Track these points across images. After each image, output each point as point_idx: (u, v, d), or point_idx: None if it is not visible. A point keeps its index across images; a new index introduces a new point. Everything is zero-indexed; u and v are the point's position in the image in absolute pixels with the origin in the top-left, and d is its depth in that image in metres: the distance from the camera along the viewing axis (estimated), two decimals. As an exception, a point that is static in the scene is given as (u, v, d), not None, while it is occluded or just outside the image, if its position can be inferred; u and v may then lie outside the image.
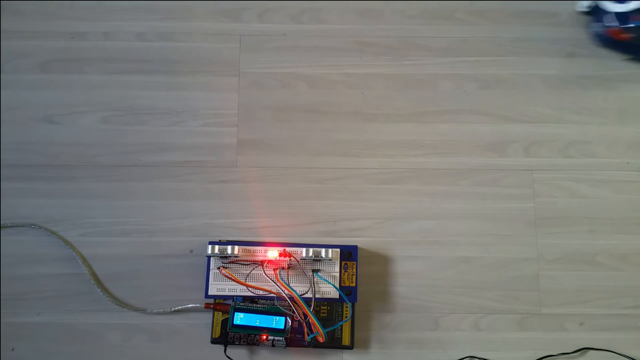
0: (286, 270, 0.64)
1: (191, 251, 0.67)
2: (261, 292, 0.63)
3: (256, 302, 0.64)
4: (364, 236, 0.68)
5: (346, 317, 0.64)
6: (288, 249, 0.64)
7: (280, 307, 0.63)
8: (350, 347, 0.64)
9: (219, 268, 0.64)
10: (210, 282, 0.64)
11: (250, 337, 0.63)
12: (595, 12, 0.68)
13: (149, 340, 0.66)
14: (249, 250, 0.65)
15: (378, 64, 0.72)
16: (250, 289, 0.63)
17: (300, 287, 0.63)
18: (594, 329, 0.66)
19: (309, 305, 0.62)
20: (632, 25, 0.63)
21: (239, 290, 0.64)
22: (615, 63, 0.72)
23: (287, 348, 0.64)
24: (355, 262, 0.65)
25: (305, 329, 0.62)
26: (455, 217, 0.68)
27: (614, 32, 0.65)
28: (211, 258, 0.64)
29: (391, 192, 0.69)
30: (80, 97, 0.71)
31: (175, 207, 0.68)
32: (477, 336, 0.66)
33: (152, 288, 0.67)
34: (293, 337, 0.63)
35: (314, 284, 0.64)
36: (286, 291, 0.62)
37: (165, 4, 0.73)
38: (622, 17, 0.64)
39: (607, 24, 0.65)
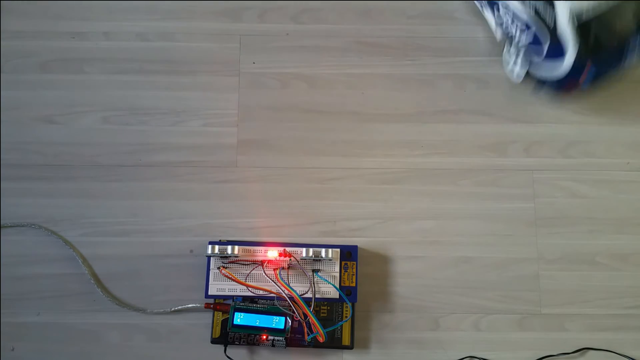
0: (286, 270, 0.64)
1: (191, 251, 0.67)
2: (261, 292, 0.63)
3: (256, 302, 0.64)
4: (364, 236, 0.68)
5: (346, 317, 0.64)
6: (288, 249, 0.64)
7: (280, 307, 0.63)
8: (350, 347, 0.64)
9: (219, 268, 0.64)
10: (210, 282, 0.64)
11: (250, 337, 0.63)
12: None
13: (149, 340, 0.66)
14: (249, 250, 0.65)
15: (378, 64, 0.72)
16: (250, 289, 0.63)
17: (300, 287, 0.63)
18: (594, 329, 0.66)
19: (309, 305, 0.62)
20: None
21: (239, 290, 0.64)
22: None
23: (287, 348, 0.64)
24: (355, 262, 0.65)
25: (305, 329, 0.62)
26: (455, 217, 0.68)
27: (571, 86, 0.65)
28: (211, 258, 0.64)
29: (391, 192, 0.69)
30: (80, 97, 0.71)
31: (175, 207, 0.68)
32: (477, 336, 0.66)
33: (152, 288, 0.66)
34: (293, 337, 0.63)
35: (314, 284, 0.64)
36: (286, 291, 0.62)
37: (165, 4, 0.73)
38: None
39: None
